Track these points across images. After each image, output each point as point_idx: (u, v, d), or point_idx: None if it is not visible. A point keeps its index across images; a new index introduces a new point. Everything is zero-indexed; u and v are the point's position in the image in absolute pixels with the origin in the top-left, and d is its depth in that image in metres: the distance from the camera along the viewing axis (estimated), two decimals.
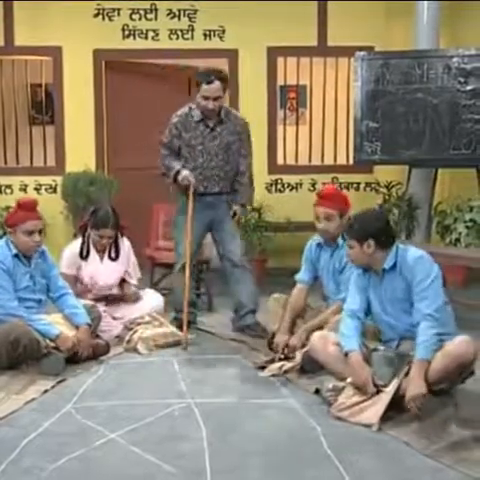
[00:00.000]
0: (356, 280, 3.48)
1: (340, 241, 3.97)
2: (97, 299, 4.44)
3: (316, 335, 3.58)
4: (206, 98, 4.38)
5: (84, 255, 4.48)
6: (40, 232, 3.91)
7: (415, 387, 3.05)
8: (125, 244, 4.60)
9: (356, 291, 3.47)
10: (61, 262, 4.47)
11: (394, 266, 3.34)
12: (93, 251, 4.50)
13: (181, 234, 4.51)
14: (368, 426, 3.03)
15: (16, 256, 3.87)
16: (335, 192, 4.14)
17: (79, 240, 4.55)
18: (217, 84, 4.37)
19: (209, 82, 4.36)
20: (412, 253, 3.33)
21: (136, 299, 4.56)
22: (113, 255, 4.54)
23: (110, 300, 4.53)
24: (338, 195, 4.09)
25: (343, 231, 3.55)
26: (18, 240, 3.85)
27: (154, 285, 5.30)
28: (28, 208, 3.91)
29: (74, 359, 3.87)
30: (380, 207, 3.34)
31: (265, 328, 4.42)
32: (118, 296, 4.57)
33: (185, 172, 4.43)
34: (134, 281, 4.64)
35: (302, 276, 4.19)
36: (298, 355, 3.76)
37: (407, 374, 3.15)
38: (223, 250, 4.64)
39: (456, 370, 3.14)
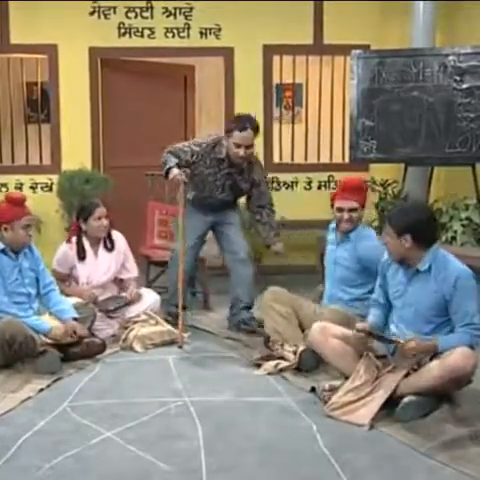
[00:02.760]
0: (381, 271, 3.42)
1: (352, 235, 3.91)
2: (100, 310, 4.35)
3: (316, 326, 3.54)
4: (238, 146, 4.28)
5: (81, 256, 4.46)
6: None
7: (423, 346, 3.10)
8: (119, 238, 4.58)
9: (379, 282, 3.44)
10: (54, 260, 4.48)
11: (429, 269, 3.18)
12: (89, 249, 4.48)
13: (178, 235, 4.46)
14: (359, 426, 3.02)
15: (3, 251, 3.86)
16: (362, 185, 4.02)
17: (71, 243, 4.49)
18: (250, 133, 4.28)
19: (242, 129, 4.25)
20: (455, 266, 3.16)
21: (138, 299, 4.54)
22: (108, 245, 4.53)
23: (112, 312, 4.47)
24: (363, 188, 4.01)
25: (385, 217, 3.33)
26: (16, 235, 3.85)
27: (149, 284, 5.29)
28: (20, 203, 3.92)
29: (69, 357, 3.87)
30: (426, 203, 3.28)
31: (261, 322, 4.38)
32: (121, 306, 4.47)
33: (175, 171, 4.25)
34: (134, 274, 4.63)
35: None
36: (292, 356, 3.75)
37: (406, 376, 3.14)
38: (227, 244, 4.62)
39: (452, 381, 3.03)
